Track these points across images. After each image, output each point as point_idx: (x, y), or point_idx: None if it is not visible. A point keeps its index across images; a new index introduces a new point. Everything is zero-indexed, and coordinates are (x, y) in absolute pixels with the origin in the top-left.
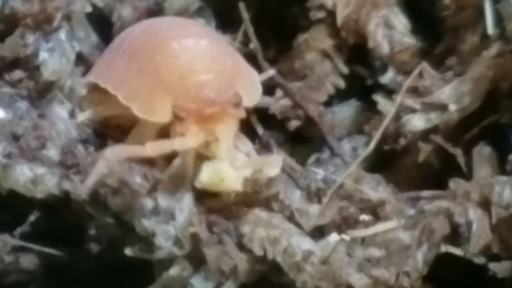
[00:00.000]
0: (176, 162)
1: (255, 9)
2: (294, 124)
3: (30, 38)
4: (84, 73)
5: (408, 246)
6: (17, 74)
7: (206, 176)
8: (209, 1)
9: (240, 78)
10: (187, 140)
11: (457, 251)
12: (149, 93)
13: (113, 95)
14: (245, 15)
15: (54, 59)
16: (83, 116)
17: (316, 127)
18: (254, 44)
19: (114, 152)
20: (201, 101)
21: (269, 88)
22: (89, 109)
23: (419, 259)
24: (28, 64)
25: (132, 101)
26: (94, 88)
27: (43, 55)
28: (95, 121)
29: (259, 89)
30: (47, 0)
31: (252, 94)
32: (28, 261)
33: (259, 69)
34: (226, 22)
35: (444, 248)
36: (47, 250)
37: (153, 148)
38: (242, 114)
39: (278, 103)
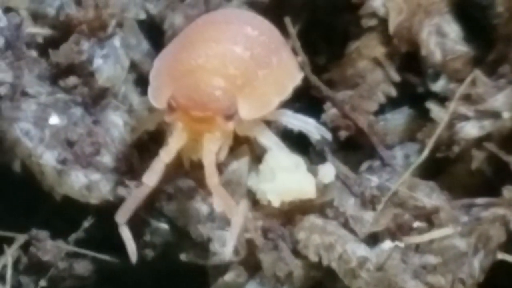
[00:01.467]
0: (231, 167)
1: (306, 16)
2: (343, 134)
3: (85, 45)
4: (136, 81)
5: (464, 253)
6: (72, 80)
7: (274, 193)
8: (260, 10)
9: (253, 92)
10: (173, 137)
11: None
12: (161, 76)
13: None
14: (292, 30)
15: (108, 65)
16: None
17: (366, 137)
18: (301, 58)
19: (150, 176)
20: (192, 101)
21: (318, 100)
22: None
23: (476, 266)
24: (82, 70)
25: (151, 81)
26: None
27: (97, 61)
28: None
29: (270, 108)
30: (102, 7)
31: (256, 110)
32: (82, 267)
33: (307, 83)
34: None
35: (500, 255)
36: (101, 256)
37: (167, 154)
38: (230, 127)
39: (329, 112)
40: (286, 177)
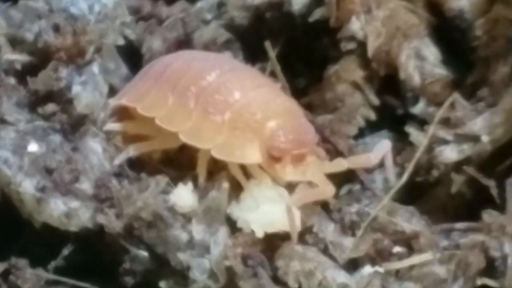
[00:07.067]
0: (211, 195)
1: (284, 40)
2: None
3: (63, 72)
4: None
5: (443, 280)
6: (50, 107)
7: (257, 224)
8: (238, 33)
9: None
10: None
11: (493, 284)
12: (236, 137)
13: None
14: (272, 53)
15: (87, 92)
16: (119, 160)
17: None
18: (281, 82)
19: (299, 199)
20: (296, 142)
21: None
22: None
23: None
24: (61, 97)
25: (212, 145)
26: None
27: (76, 88)
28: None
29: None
30: (80, 34)
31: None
32: None
33: None
34: (255, 55)
35: (480, 281)
36: (81, 284)
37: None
38: (319, 151)
39: None
40: (270, 208)
